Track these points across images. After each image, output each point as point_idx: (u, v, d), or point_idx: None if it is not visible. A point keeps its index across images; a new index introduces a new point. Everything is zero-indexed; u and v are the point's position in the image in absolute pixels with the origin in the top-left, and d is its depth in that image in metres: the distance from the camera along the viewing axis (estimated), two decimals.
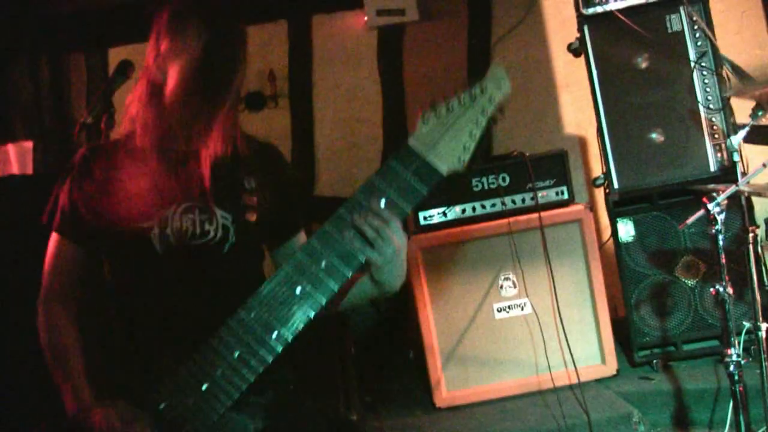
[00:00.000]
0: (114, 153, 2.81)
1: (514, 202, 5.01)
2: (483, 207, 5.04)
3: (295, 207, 2.93)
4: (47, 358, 2.72)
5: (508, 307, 4.96)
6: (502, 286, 4.94)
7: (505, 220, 4.93)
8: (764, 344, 3.98)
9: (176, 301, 2.65)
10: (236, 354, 2.42)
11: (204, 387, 2.44)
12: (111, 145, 2.89)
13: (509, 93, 2.51)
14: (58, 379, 2.67)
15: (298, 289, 2.44)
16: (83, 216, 2.74)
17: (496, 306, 4.97)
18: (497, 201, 5.02)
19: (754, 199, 4.74)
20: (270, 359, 2.44)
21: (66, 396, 2.62)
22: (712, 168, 5.01)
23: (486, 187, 5.03)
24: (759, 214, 4.97)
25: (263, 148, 2.98)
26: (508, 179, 5.02)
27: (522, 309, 4.95)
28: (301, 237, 2.94)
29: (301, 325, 2.45)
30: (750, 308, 4.01)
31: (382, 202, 2.42)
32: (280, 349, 2.44)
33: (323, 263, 2.43)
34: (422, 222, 5.06)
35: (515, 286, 4.94)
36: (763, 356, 3.95)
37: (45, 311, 2.79)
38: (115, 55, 6.53)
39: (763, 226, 4.55)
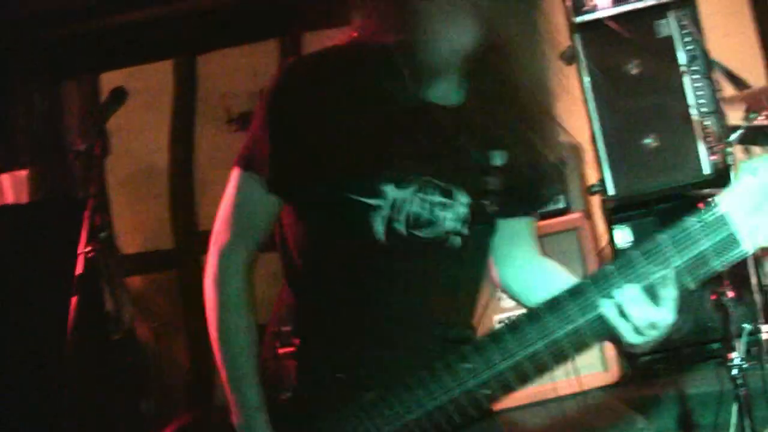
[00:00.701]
0: (337, 73, 2.13)
1: None
2: None
3: (546, 183, 2.26)
4: (210, 329, 2.18)
5: (508, 318, 4.95)
6: (501, 297, 4.93)
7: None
8: (765, 347, 3.98)
9: (384, 307, 2.10)
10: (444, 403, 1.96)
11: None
12: (333, 65, 2.17)
13: None
14: (220, 364, 2.15)
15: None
16: (292, 170, 2.09)
17: (496, 317, 4.96)
18: None
19: None
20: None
21: (229, 394, 2.14)
22: (707, 171, 5.01)
23: None
24: None
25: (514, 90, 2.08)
26: None
27: None
28: (533, 225, 2.34)
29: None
30: (750, 309, 4.01)
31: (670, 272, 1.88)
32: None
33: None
34: None
35: None
36: (765, 358, 3.95)
37: (218, 267, 2.18)
38: (108, 80, 6.53)
39: None
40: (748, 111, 4.06)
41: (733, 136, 4.15)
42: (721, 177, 4.88)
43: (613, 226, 5.12)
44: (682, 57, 5.04)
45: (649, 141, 5.07)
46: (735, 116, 4.63)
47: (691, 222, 1.89)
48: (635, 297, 1.87)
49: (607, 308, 1.88)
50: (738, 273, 4.22)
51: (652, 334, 1.91)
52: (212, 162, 6.54)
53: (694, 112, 5.01)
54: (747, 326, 4.11)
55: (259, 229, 2.17)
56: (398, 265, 2.06)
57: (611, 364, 4.97)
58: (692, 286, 1.89)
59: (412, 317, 2.08)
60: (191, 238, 6.57)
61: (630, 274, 1.87)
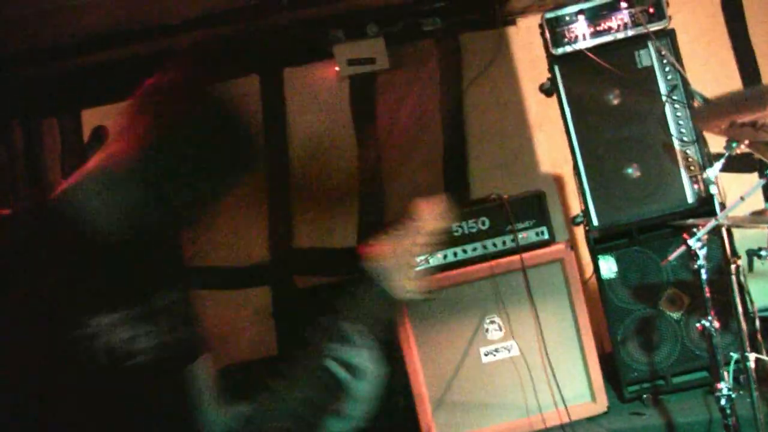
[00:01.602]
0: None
1: (495, 245, 5.02)
2: (464, 252, 5.03)
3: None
4: None
5: (495, 350, 4.95)
6: (487, 330, 4.93)
7: (487, 264, 4.92)
8: (753, 374, 3.98)
9: None
10: None
11: None
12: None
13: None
14: None
15: None
16: None
17: (482, 350, 4.95)
18: (478, 245, 5.02)
19: (734, 229, 4.75)
20: None
21: None
22: (690, 200, 5.03)
23: (466, 231, 5.03)
24: (740, 244, 4.98)
25: None
26: (487, 223, 5.03)
27: (509, 351, 4.93)
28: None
29: None
30: (737, 337, 4.01)
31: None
32: None
33: None
34: None
35: (501, 329, 4.93)
36: (753, 386, 3.95)
37: None
38: (89, 117, 6.51)
39: (744, 257, 4.56)
40: (729, 141, 4.08)
41: (716, 166, 4.17)
42: (704, 205, 4.90)
43: (598, 257, 5.13)
44: (662, 86, 5.07)
45: (631, 171, 5.09)
46: (717, 144, 4.64)
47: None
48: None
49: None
50: (724, 301, 4.22)
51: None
52: None
53: (675, 141, 5.03)
54: (734, 355, 4.12)
55: None
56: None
57: (599, 395, 4.96)
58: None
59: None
60: None
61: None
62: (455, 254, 5.05)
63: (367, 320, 2.23)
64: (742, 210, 4.05)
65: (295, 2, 5.99)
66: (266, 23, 6.20)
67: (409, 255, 2.33)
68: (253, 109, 6.59)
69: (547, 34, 5.11)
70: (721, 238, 4.21)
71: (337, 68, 6.31)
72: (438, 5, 6.24)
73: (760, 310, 4.76)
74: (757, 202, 4.81)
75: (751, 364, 3.97)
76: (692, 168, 4.99)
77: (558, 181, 6.46)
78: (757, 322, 4.55)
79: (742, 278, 4.45)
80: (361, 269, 2.28)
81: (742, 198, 3.81)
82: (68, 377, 2.05)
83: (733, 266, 4.03)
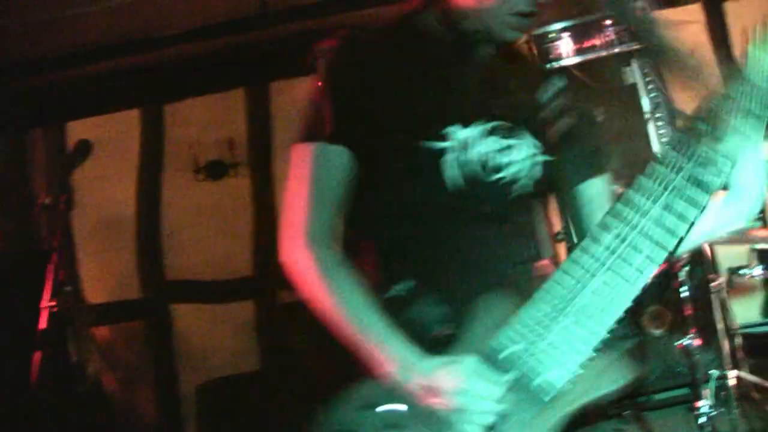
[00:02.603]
0: (389, 41, 2.16)
1: None
2: None
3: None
4: (329, 317, 2.03)
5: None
6: None
7: None
8: (733, 391, 3.99)
9: (466, 250, 2.09)
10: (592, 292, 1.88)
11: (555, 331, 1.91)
12: (382, 32, 2.21)
13: None
14: (353, 339, 2.00)
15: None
16: (356, 121, 2.08)
17: None
18: None
19: (716, 247, 4.77)
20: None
21: (375, 356, 1.97)
22: None
23: None
24: (722, 262, 5.00)
25: None
26: None
27: None
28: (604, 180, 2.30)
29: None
30: (717, 355, 4.03)
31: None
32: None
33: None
34: None
35: None
36: (733, 404, 3.96)
37: (318, 258, 2.06)
38: (73, 129, 6.51)
39: (725, 274, 4.57)
40: None
41: None
42: None
43: None
44: (645, 104, 5.08)
45: (614, 187, 5.09)
46: None
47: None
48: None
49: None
50: (705, 319, 4.23)
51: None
52: (179, 211, 6.51)
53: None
54: (714, 372, 4.12)
55: (336, 195, 2.10)
56: (475, 207, 2.06)
57: None
58: None
59: (493, 258, 2.08)
60: (158, 288, 6.53)
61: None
62: None
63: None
64: None
65: (283, 16, 6.00)
66: (254, 36, 6.22)
67: None
68: (239, 122, 6.60)
69: (534, 50, 5.12)
70: (703, 255, 4.22)
71: (320, 83, 6.30)
72: None
73: (742, 327, 4.77)
74: None
75: (732, 382, 3.98)
76: None
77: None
78: (739, 339, 4.57)
79: (723, 296, 4.47)
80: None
81: None
82: None
83: (713, 284, 4.04)
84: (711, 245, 4.27)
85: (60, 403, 4.63)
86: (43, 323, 3.83)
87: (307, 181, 2.09)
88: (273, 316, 6.49)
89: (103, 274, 6.49)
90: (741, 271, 4.45)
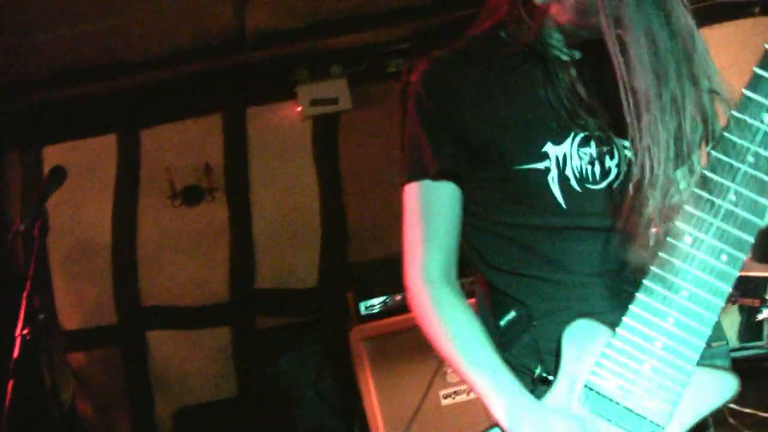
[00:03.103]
0: (476, 63, 2.15)
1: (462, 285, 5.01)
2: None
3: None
4: (445, 354, 2.13)
5: (455, 393, 4.93)
6: (447, 372, 4.92)
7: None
8: (709, 418, 3.98)
9: (581, 264, 2.10)
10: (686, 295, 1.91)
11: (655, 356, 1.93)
12: (466, 54, 2.18)
13: None
14: (467, 378, 2.09)
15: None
16: (455, 153, 2.11)
17: (442, 392, 4.94)
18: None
19: None
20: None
21: (486, 397, 2.05)
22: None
23: None
24: None
25: None
26: None
27: (468, 394, 4.92)
28: None
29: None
30: None
31: None
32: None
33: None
34: (363, 312, 5.04)
35: None
36: (709, 429, 3.95)
37: (433, 297, 2.14)
38: (50, 153, 6.47)
39: None
40: None
41: None
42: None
43: None
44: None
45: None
46: None
47: None
48: None
49: None
50: None
51: None
52: (155, 237, 6.49)
53: None
54: None
55: (448, 230, 2.17)
56: (583, 221, 2.07)
57: None
58: None
59: (608, 268, 2.09)
60: (134, 314, 6.49)
61: None
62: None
63: None
64: None
65: (260, 41, 6.00)
66: (231, 62, 6.22)
67: None
68: (216, 148, 6.59)
69: None
70: None
71: (299, 108, 6.33)
72: (402, 47, 6.26)
73: None
74: None
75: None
76: None
77: None
78: None
79: None
80: None
81: None
82: None
83: None
84: None
85: (35, 429, 4.60)
86: (16, 351, 3.80)
87: (419, 221, 2.16)
88: (250, 341, 6.47)
89: (79, 300, 6.45)
90: None
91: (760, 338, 4.51)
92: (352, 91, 6.30)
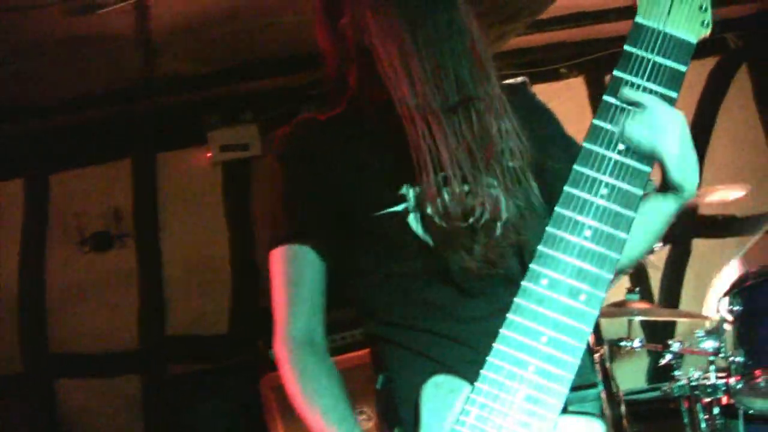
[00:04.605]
0: (333, 127, 2.21)
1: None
2: (333, 341, 5.01)
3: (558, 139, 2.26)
4: (304, 417, 2.10)
5: None
6: (360, 421, 4.89)
7: (359, 352, 4.90)
8: None
9: (450, 303, 2.08)
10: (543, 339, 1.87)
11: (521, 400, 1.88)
12: (323, 119, 2.26)
13: None
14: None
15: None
16: (320, 211, 2.15)
17: None
18: (347, 334, 5.01)
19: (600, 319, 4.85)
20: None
21: None
22: None
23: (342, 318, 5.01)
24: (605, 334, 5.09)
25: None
26: None
27: None
28: None
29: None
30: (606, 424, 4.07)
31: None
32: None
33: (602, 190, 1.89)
34: (273, 359, 5.00)
35: (370, 419, 4.90)
36: None
37: (293, 359, 2.14)
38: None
39: (606, 345, 4.66)
40: None
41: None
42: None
43: None
44: None
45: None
46: None
47: (625, 46, 1.93)
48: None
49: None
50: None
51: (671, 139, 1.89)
52: (64, 283, 6.40)
53: None
54: None
55: (311, 293, 2.18)
56: (450, 261, 2.04)
57: None
58: (675, 96, 1.91)
59: (478, 306, 2.06)
60: (42, 362, 6.38)
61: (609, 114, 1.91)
62: (332, 341, 5.02)
63: None
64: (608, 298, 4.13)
65: (170, 87, 5.99)
66: (141, 107, 6.19)
67: None
68: (125, 193, 6.54)
69: None
70: None
71: (210, 154, 6.31)
72: (315, 92, 6.28)
73: (626, 394, 4.85)
74: (619, 293, 4.95)
75: None
76: None
77: None
78: (623, 407, 4.64)
79: (606, 365, 4.55)
80: (636, 24, 1.95)
81: None
82: None
83: (597, 355, 4.11)
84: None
85: None
86: None
87: (281, 286, 2.17)
88: (160, 390, 6.39)
89: None
90: (621, 343, 4.54)
91: (666, 380, 4.58)
92: (264, 137, 6.30)
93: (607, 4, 5.67)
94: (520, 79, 5.09)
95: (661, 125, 1.88)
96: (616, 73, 1.92)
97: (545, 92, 6.26)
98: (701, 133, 6.81)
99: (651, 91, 1.90)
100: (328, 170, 2.14)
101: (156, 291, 6.47)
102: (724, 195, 5.09)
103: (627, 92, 1.90)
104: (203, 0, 4.76)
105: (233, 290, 6.51)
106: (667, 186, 1.97)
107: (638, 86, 1.90)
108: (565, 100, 6.39)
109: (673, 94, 1.91)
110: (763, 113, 6.91)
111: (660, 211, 2.04)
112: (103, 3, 4.55)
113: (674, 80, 1.92)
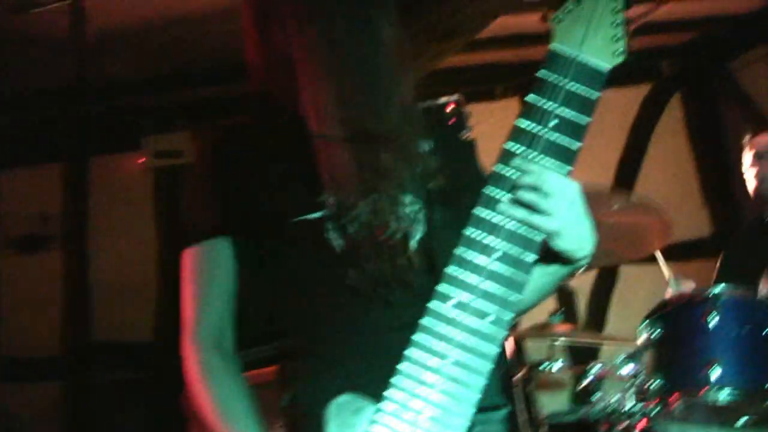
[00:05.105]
0: (259, 134, 2.19)
1: None
2: (244, 356, 4.99)
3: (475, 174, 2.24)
4: (205, 421, 2.06)
5: None
6: None
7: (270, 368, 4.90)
8: None
9: (360, 315, 2.06)
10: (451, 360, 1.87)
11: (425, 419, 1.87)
12: (249, 126, 2.26)
13: None
14: None
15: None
16: (237, 210, 2.12)
17: None
18: (257, 349, 5.01)
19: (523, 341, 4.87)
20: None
21: None
22: None
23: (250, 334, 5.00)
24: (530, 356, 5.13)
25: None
26: None
27: None
28: None
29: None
30: None
31: (551, 123, 1.94)
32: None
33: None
34: None
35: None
36: None
37: (200, 359, 2.09)
38: None
39: (527, 368, 4.68)
40: None
41: None
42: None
43: None
44: None
45: None
46: None
47: (540, 72, 1.94)
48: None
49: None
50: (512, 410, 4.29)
51: (558, 208, 1.90)
52: None
53: None
54: None
55: (221, 293, 2.12)
56: (362, 269, 2.02)
57: None
58: (585, 123, 1.93)
59: (388, 321, 2.03)
60: None
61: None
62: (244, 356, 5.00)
63: None
64: (526, 321, 4.17)
65: (105, 91, 5.94)
66: (74, 110, 6.13)
67: (611, 12, 2.01)
68: (55, 197, 6.47)
69: None
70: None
71: (142, 160, 6.27)
72: (248, 101, 6.26)
73: (548, 417, 4.88)
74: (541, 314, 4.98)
75: None
76: None
77: None
78: (545, 429, 4.67)
79: (529, 388, 4.58)
80: (551, 51, 1.98)
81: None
82: None
83: (515, 377, 4.13)
84: (518, 339, 4.36)
85: None
86: None
87: (191, 284, 2.13)
88: (83, 397, 6.33)
89: None
90: (542, 366, 4.57)
91: (587, 402, 4.62)
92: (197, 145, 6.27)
93: (544, 27, 5.69)
94: (454, 97, 5.12)
95: (551, 193, 1.90)
96: (529, 98, 1.95)
97: (480, 112, 6.29)
98: (634, 158, 6.92)
99: (562, 118, 1.93)
100: (250, 174, 2.11)
101: (82, 296, 6.40)
102: None
103: (519, 163, 1.91)
104: (140, 7, 4.72)
105: (160, 298, 6.48)
106: (556, 254, 1.97)
107: (551, 114, 1.93)
108: (499, 119, 6.43)
109: (586, 120, 1.93)
110: (694, 141, 7.02)
111: (550, 273, 2.04)
112: (38, 2, 4.51)
113: (587, 106, 1.94)
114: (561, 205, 1.91)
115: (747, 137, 4.76)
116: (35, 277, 6.35)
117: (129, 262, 6.49)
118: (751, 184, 4.64)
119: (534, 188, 1.90)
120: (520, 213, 1.90)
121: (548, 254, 1.96)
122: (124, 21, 4.93)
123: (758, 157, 4.60)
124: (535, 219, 1.90)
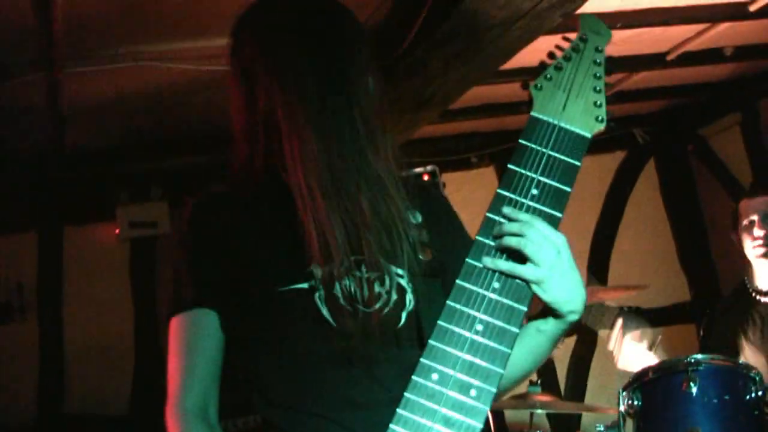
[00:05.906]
0: (243, 195, 2.16)
1: None
2: (229, 427, 4.95)
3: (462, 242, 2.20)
4: None
5: None
6: None
7: None
8: None
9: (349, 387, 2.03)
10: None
11: None
12: (234, 192, 2.21)
13: (611, 38, 2.11)
14: None
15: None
16: (223, 280, 2.09)
17: None
18: (244, 420, 4.97)
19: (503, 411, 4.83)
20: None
21: None
22: None
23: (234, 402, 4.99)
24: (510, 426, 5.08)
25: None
26: None
27: None
28: None
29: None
30: None
31: (533, 191, 1.94)
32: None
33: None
34: None
35: None
36: None
37: (184, 429, 2.04)
38: None
39: None
40: None
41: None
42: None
43: None
44: None
45: None
46: None
47: (521, 140, 1.97)
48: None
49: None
50: None
51: (545, 257, 1.90)
52: None
53: None
54: None
55: (206, 363, 2.09)
56: (350, 341, 1.99)
57: None
58: (568, 190, 1.94)
59: (376, 395, 2.00)
60: None
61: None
62: (228, 426, 4.97)
63: None
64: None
65: (79, 160, 5.92)
66: (48, 179, 6.11)
67: (593, 78, 2.06)
68: (29, 265, 6.42)
69: None
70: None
71: (118, 230, 6.24)
72: (226, 172, 6.25)
73: None
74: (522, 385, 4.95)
75: None
76: None
77: None
78: None
79: None
80: (532, 118, 2.00)
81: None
82: None
83: None
84: (497, 409, 4.32)
85: None
86: None
87: (176, 354, 2.09)
88: None
89: None
90: None
91: None
92: (173, 213, 6.25)
93: (518, 96, 5.74)
94: (429, 167, 5.14)
95: (537, 240, 1.90)
96: (510, 166, 1.95)
97: (456, 181, 6.33)
98: (610, 224, 6.96)
99: (544, 185, 1.93)
100: (235, 241, 2.09)
101: (56, 367, 6.33)
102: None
103: (507, 210, 1.92)
104: (116, 78, 4.72)
105: (136, 370, 6.40)
106: (547, 309, 1.98)
107: (533, 181, 1.94)
108: (475, 188, 6.46)
109: (567, 189, 1.94)
110: (670, 206, 7.07)
111: (541, 331, 2.06)
112: (14, 73, 4.51)
113: (568, 174, 1.95)
114: (548, 254, 1.90)
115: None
116: (10, 347, 6.27)
117: (104, 334, 6.43)
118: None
119: (520, 235, 1.89)
120: (506, 265, 1.90)
121: (539, 313, 1.98)
122: (99, 91, 4.93)
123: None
124: (520, 268, 1.90)
